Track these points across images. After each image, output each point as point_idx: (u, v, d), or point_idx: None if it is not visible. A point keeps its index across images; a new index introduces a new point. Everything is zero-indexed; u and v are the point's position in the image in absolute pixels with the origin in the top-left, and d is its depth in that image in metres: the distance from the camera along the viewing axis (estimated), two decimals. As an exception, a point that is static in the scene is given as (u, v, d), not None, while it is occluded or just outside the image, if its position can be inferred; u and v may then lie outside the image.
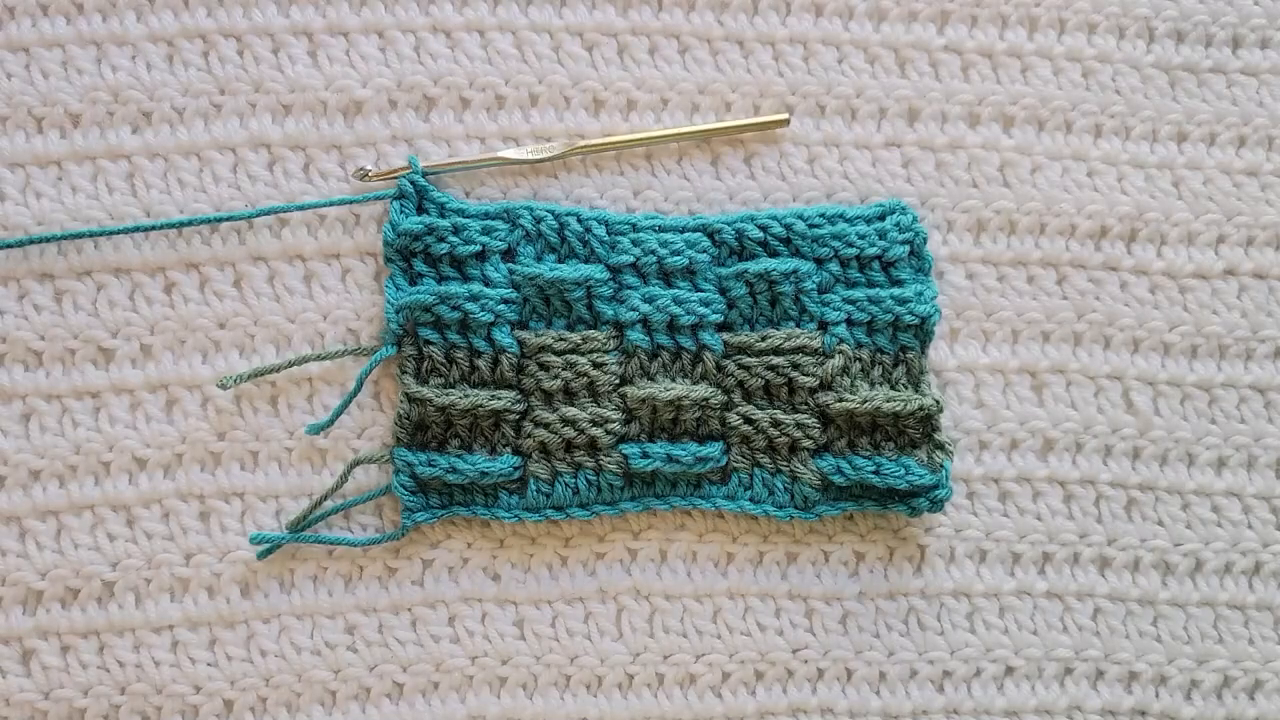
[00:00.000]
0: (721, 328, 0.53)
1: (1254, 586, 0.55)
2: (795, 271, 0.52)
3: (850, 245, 0.53)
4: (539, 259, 0.53)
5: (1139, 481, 0.55)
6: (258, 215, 0.53)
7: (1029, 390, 0.55)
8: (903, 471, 0.52)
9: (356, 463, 0.52)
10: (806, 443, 0.52)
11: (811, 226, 0.53)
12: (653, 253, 0.52)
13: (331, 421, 0.52)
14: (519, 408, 0.52)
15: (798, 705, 0.53)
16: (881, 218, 0.54)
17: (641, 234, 0.53)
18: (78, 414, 0.53)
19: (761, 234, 0.53)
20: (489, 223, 0.52)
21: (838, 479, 0.52)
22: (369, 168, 0.53)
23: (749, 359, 0.52)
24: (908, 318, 0.52)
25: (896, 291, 0.52)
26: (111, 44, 0.54)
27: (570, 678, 0.53)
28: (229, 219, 0.53)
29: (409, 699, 0.53)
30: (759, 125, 0.55)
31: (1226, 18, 0.57)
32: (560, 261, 0.53)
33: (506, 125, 0.55)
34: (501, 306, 0.52)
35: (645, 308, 0.52)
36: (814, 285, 0.53)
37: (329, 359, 0.53)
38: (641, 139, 0.54)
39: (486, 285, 0.52)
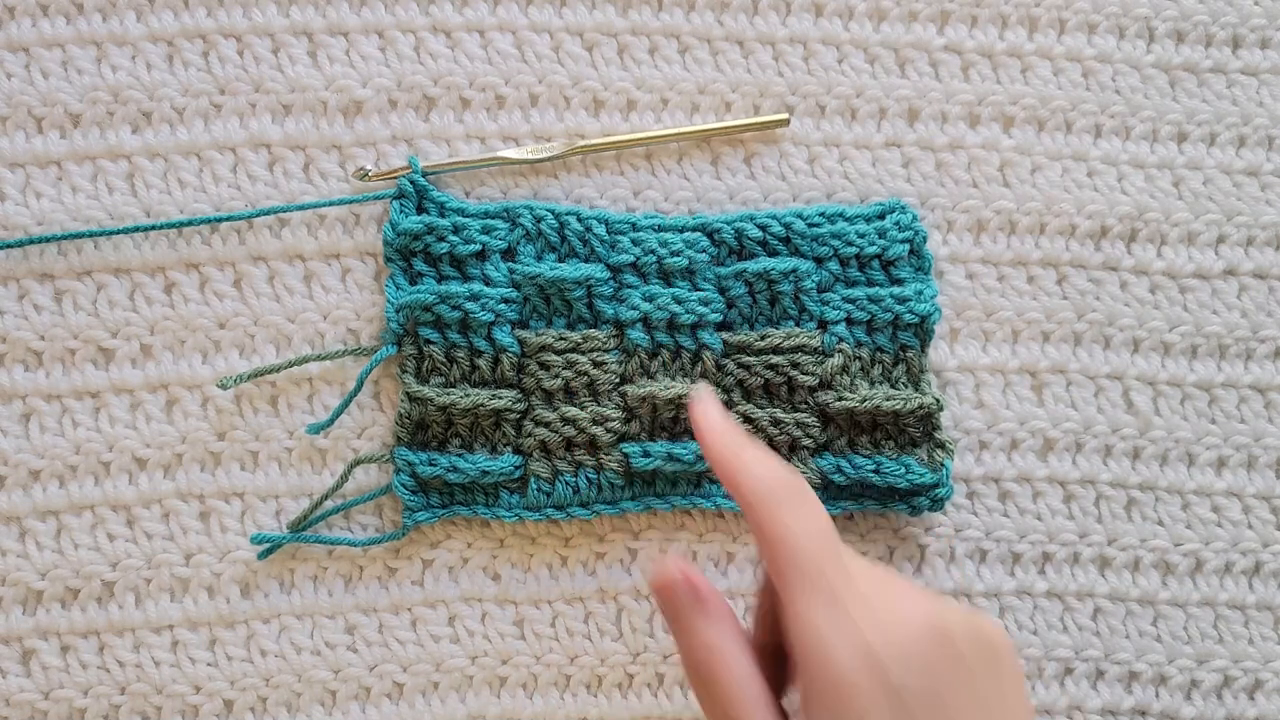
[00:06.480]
0: (721, 327, 0.53)
1: (1254, 586, 0.55)
2: (795, 271, 0.52)
3: (850, 244, 0.53)
4: (539, 258, 0.53)
5: (1139, 481, 0.55)
6: (258, 215, 0.53)
7: (1029, 390, 0.55)
8: (903, 470, 0.52)
9: (356, 463, 0.52)
10: (806, 442, 0.52)
11: (811, 226, 0.53)
12: (652, 252, 0.52)
13: (331, 421, 0.52)
14: (520, 407, 0.52)
15: (798, 705, 0.53)
16: (881, 217, 0.54)
17: (641, 233, 0.53)
18: (78, 414, 0.53)
19: (761, 233, 0.53)
20: (489, 222, 0.52)
21: (838, 478, 0.52)
22: (369, 168, 0.53)
23: (748, 358, 0.52)
24: (908, 316, 0.52)
25: (896, 290, 0.52)
26: (111, 44, 0.54)
27: (570, 678, 0.53)
28: (229, 219, 0.53)
29: (409, 699, 0.53)
30: (759, 125, 0.55)
31: (1226, 18, 0.57)
32: (560, 261, 0.53)
33: (506, 125, 0.55)
34: (502, 306, 0.52)
35: (645, 306, 0.52)
36: (813, 284, 0.53)
37: (329, 359, 0.53)
38: (641, 139, 0.54)
39: (487, 285, 0.52)
